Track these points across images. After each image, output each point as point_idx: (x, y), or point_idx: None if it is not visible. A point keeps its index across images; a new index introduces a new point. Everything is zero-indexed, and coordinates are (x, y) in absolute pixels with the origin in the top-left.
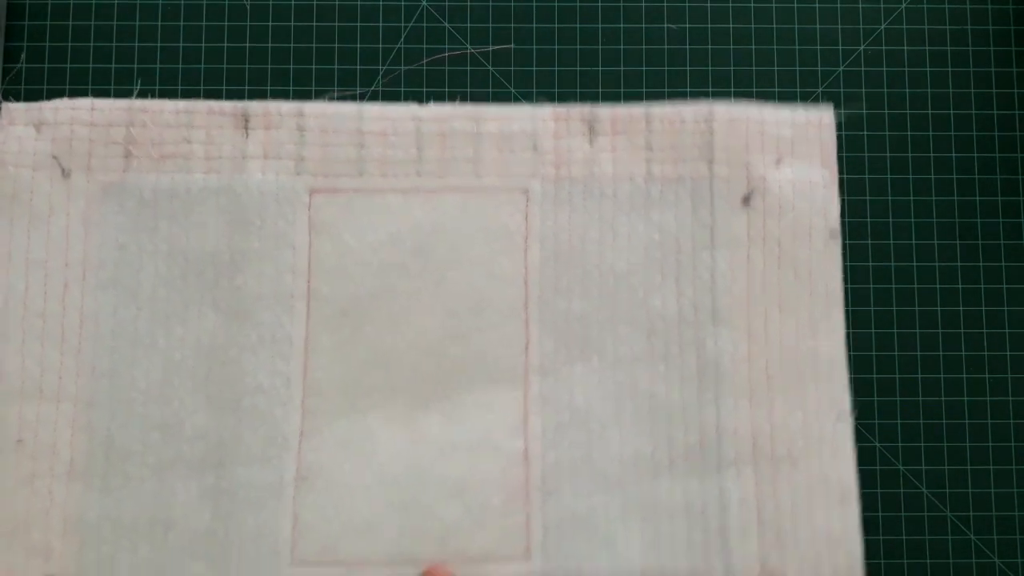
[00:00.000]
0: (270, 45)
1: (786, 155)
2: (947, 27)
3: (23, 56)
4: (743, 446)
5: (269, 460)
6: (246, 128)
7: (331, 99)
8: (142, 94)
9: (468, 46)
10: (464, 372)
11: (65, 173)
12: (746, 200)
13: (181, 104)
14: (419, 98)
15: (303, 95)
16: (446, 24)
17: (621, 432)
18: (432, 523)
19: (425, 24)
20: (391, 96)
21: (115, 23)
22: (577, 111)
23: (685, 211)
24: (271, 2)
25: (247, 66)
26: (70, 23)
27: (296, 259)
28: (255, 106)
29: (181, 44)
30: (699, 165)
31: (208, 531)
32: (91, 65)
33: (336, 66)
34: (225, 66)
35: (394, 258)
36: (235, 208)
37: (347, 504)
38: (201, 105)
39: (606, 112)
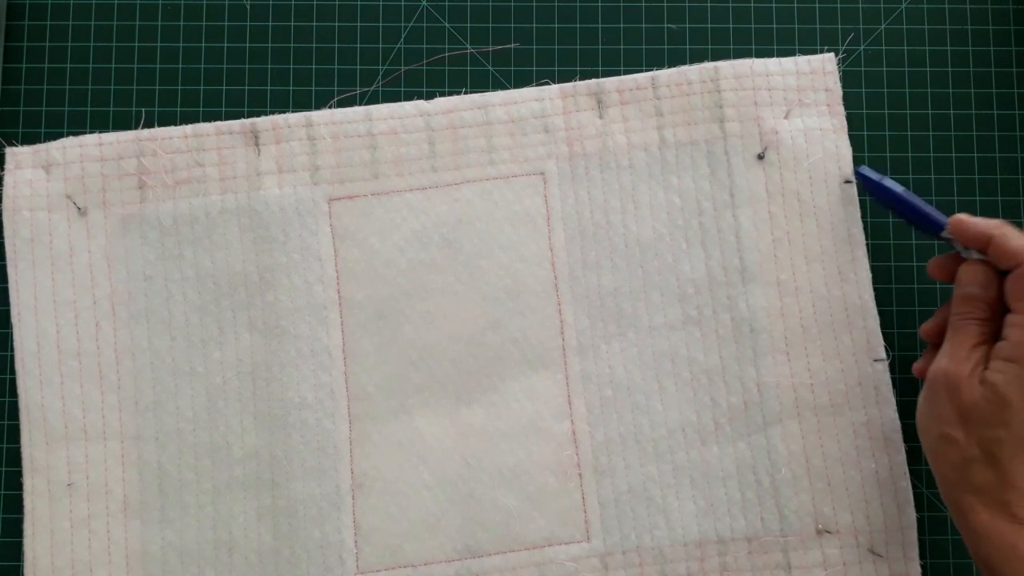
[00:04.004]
0: (270, 45)
1: (794, 106)
2: (947, 27)
3: (23, 57)
4: (786, 400)
5: (323, 472)
6: (257, 145)
7: (332, 105)
8: (141, 95)
9: (468, 46)
10: (504, 360)
11: (81, 211)
12: (761, 156)
13: (188, 128)
14: (420, 98)
15: (303, 95)
16: (446, 24)
17: (665, 402)
18: (491, 514)
19: (425, 24)
20: (391, 96)
21: (115, 23)
22: (584, 85)
23: (703, 174)
24: (271, 2)
25: (247, 66)
26: (70, 23)
27: (324, 269)
28: (263, 121)
29: (181, 44)
30: (711, 126)
31: (272, 549)
32: (91, 65)
33: (336, 66)
34: (225, 66)
35: (422, 255)
36: (257, 226)
37: (406, 506)
38: (209, 127)
39: (612, 83)
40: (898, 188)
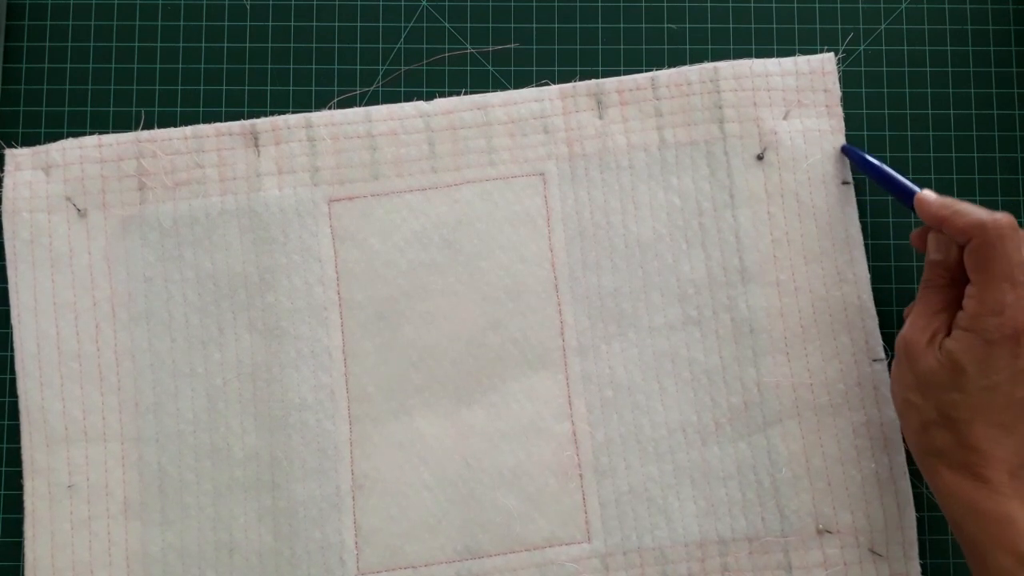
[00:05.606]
0: (270, 45)
1: (793, 107)
2: (947, 27)
3: (23, 57)
4: (786, 401)
5: (324, 473)
6: (256, 146)
7: (332, 105)
8: (141, 95)
9: (468, 46)
10: (504, 360)
11: (81, 213)
12: (760, 157)
13: (188, 130)
14: (420, 98)
15: (303, 95)
16: (446, 24)
17: (665, 402)
18: (492, 515)
19: (425, 24)
20: (391, 96)
21: (115, 23)
22: (583, 86)
23: (702, 174)
24: (271, 2)
25: (247, 66)
26: (70, 23)
27: (324, 270)
28: (262, 123)
29: (181, 44)
30: (711, 127)
31: (272, 550)
32: (91, 65)
33: (336, 66)
34: (225, 66)
35: (422, 256)
36: (257, 227)
37: (406, 506)
38: (208, 128)
39: (612, 84)
40: (878, 163)
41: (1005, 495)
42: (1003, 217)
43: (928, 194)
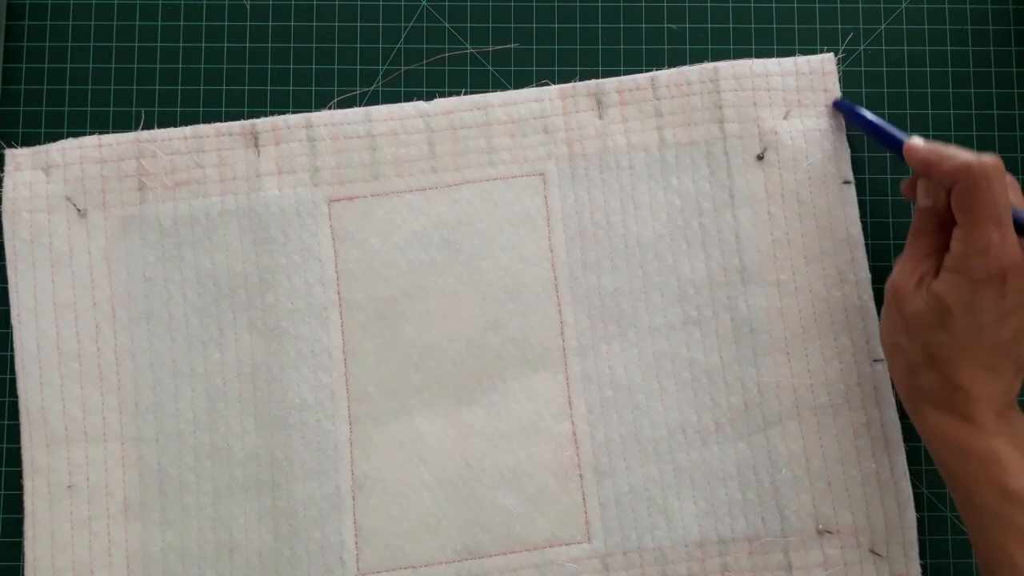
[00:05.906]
0: (270, 45)
1: (793, 106)
2: (947, 27)
3: (23, 57)
4: (786, 401)
5: (324, 473)
6: (256, 146)
7: (333, 105)
8: (141, 95)
9: (468, 46)
10: (504, 360)
11: (81, 213)
12: (761, 157)
13: (188, 130)
14: (420, 98)
15: (303, 95)
16: (446, 24)
17: (665, 402)
18: (492, 515)
19: (425, 24)
20: (391, 96)
21: (115, 23)
22: (583, 86)
23: (702, 174)
24: (271, 2)
25: (247, 66)
26: (70, 23)
27: (324, 270)
28: (262, 123)
29: (181, 44)
30: (711, 127)
31: (272, 550)
32: (91, 65)
33: (336, 66)
34: (225, 66)
35: (422, 256)
36: (257, 227)
37: (406, 506)
38: (208, 128)
39: (612, 84)
40: (869, 114)
41: (990, 433)
42: (989, 159)
43: (916, 140)
